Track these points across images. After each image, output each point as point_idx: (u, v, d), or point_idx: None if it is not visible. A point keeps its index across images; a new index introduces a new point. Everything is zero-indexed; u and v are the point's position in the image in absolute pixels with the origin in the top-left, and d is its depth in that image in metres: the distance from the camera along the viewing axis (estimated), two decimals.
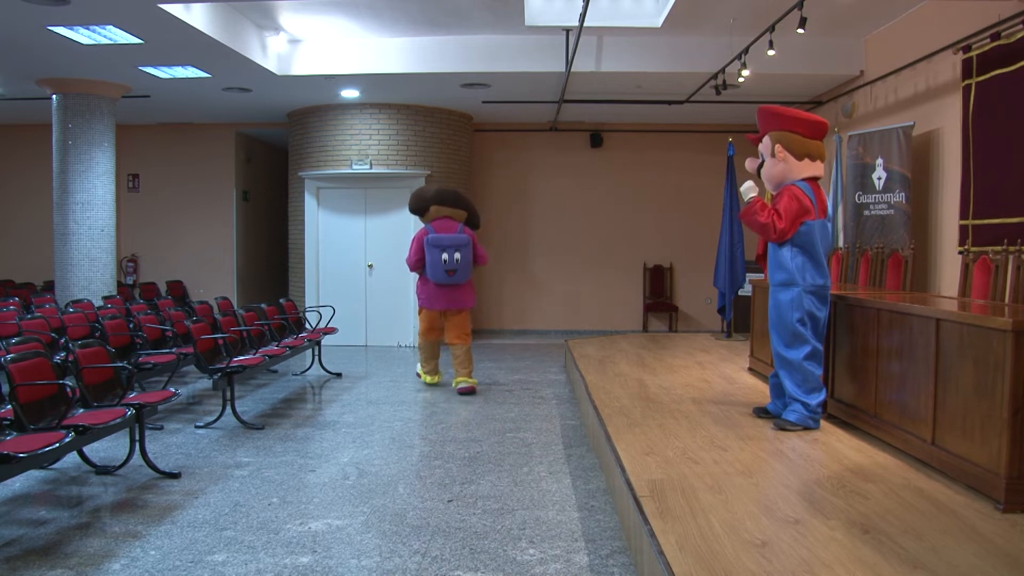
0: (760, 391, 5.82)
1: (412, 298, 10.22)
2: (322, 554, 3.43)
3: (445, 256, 6.80)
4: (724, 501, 3.37)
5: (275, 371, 8.24)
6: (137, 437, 4.64)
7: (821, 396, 4.68)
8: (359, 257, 10.36)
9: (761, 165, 4.86)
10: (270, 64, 8.14)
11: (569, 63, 7.76)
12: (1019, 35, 5.65)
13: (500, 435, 5.58)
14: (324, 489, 4.36)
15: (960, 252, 6.22)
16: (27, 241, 11.86)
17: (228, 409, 5.93)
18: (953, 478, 3.61)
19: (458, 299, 7.01)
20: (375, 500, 4.17)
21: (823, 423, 4.75)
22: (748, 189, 4.86)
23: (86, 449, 4.78)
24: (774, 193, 4.83)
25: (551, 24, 7.43)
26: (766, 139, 4.78)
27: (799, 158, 4.66)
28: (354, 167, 10.06)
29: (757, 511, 3.23)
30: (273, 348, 6.92)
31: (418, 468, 4.80)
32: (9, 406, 3.97)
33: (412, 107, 10.08)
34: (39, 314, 6.99)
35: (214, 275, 11.77)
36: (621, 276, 11.52)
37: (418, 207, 7.14)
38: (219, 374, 5.82)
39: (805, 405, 4.63)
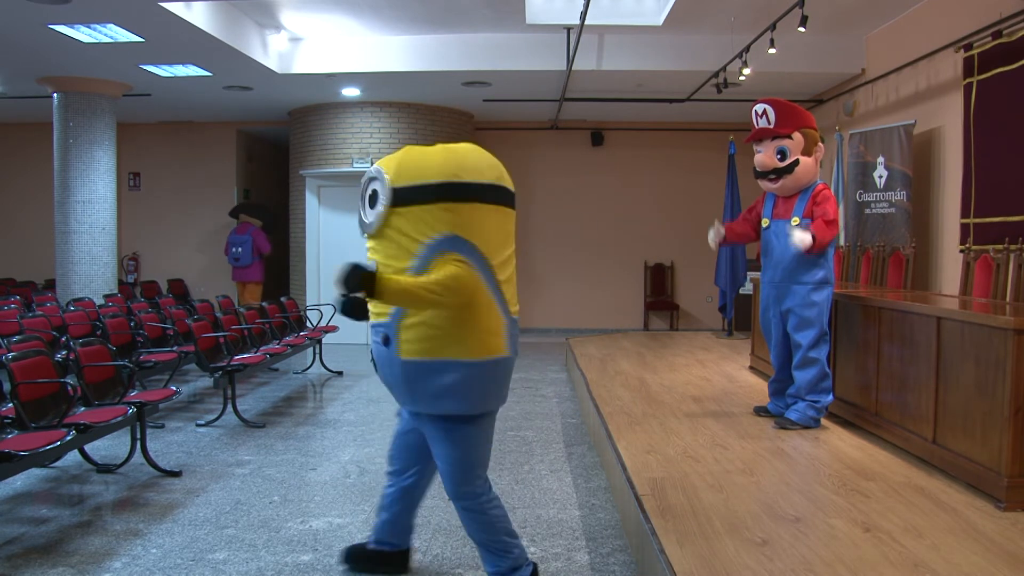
0: (761, 390, 5.82)
1: None
2: (323, 552, 3.44)
3: (234, 249, 10.68)
4: (725, 499, 3.37)
5: (276, 369, 8.25)
6: (138, 435, 4.64)
7: (831, 397, 4.67)
8: (360, 256, 10.29)
9: (793, 162, 4.55)
10: (271, 62, 8.14)
11: (570, 61, 7.75)
12: (1020, 33, 5.65)
13: (501, 433, 5.57)
14: (325, 487, 4.36)
15: (961, 250, 6.22)
16: (28, 240, 11.86)
17: (229, 407, 5.93)
18: (954, 477, 3.61)
19: (245, 275, 10.75)
20: (376, 498, 4.16)
21: (824, 421, 4.75)
22: (800, 240, 4.38)
23: (87, 447, 4.78)
24: (787, 196, 4.66)
25: (552, 22, 7.43)
26: (797, 135, 4.55)
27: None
28: (355, 165, 10.06)
29: (758, 509, 3.23)
30: (274, 346, 6.92)
31: None
32: (10, 404, 3.97)
33: (413, 105, 10.08)
34: (40, 312, 7.00)
35: (215, 273, 11.76)
36: (622, 274, 11.51)
37: (234, 213, 10.88)
38: (220, 372, 5.82)
39: (814, 403, 4.61)
